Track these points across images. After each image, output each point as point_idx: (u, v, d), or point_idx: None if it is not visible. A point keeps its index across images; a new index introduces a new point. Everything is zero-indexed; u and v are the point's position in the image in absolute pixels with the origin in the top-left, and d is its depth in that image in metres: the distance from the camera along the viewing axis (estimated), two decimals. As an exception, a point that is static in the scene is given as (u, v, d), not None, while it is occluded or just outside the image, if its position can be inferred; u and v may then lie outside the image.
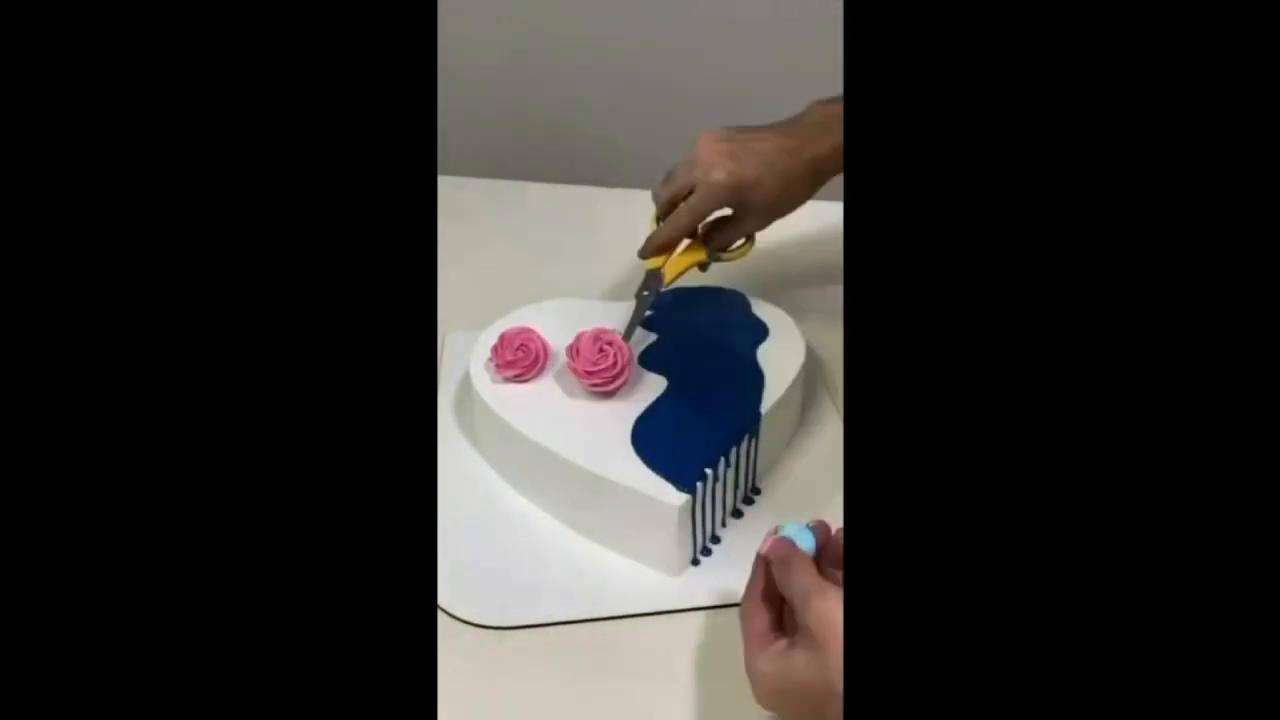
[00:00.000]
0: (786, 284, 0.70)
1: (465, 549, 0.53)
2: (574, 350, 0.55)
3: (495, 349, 0.57)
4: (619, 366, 0.55)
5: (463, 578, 0.51)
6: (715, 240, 0.61)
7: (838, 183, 0.41)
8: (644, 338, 0.60)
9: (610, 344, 0.55)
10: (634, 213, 0.91)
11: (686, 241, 0.62)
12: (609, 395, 0.55)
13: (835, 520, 0.48)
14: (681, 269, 0.62)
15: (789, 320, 0.62)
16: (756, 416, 0.55)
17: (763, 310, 0.63)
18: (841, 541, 0.43)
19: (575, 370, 0.55)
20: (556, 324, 0.59)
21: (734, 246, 0.62)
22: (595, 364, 0.54)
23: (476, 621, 0.50)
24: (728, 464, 0.52)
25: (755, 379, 0.57)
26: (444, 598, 0.51)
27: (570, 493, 0.54)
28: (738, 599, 0.48)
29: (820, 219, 0.66)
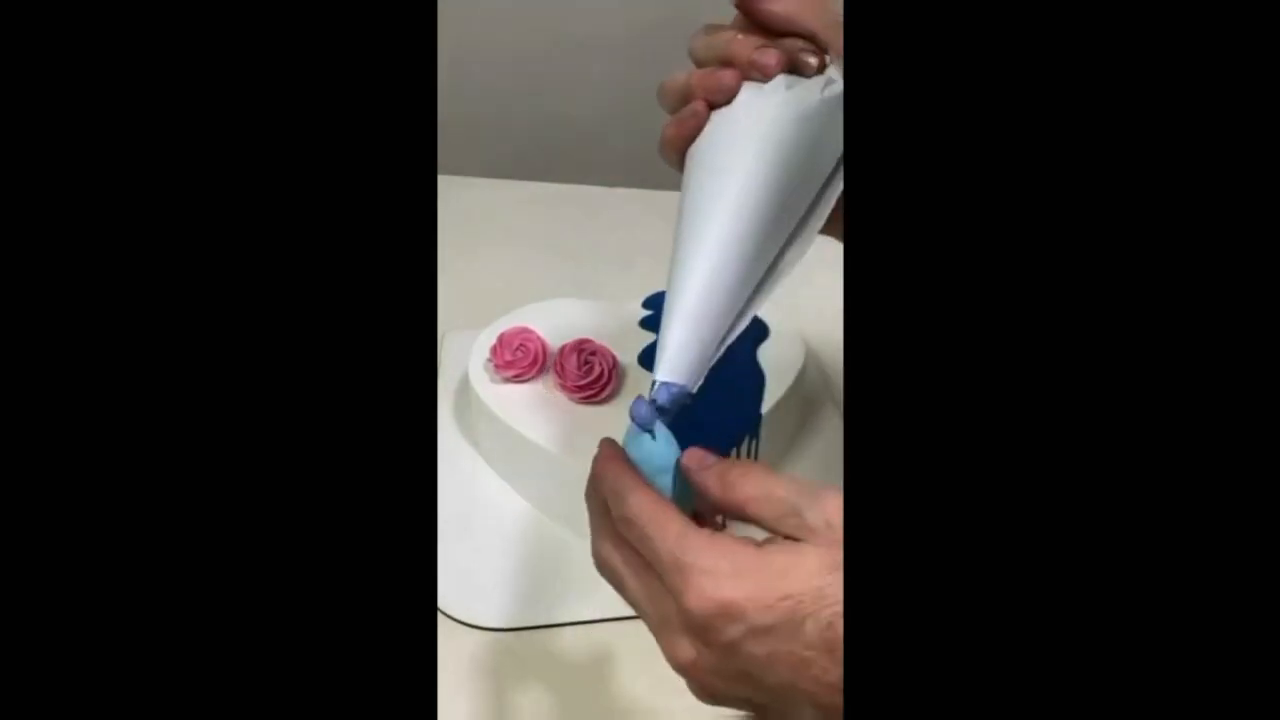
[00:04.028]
0: (786, 284, 0.70)
1: (465, 550, 0.53)
2: (559, 367, 0.55)
3: (494, 349, 0.57)
4: (605, 375, 0.55)
5: (462, 579, 0.51)
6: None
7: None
8: (644, 338, 0.60)
9: (594, 354, 0.55)
10: (634, 213, 0.91)
11: None
12: (604, 402, 0.55)
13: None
14: None
15: (789, 320, 0.62)
16: (757, 417, 0.55)
17: (763, 310, 0.63)
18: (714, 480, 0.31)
19: (565, 388, 0.55)
20: (556, 324, 0.59)
21: None
22: (583, 378, 0.54)
23: (476, 623, 0.50)
24: (728, 464, 0.52)
25: (755, 379, 0.57)
26: (443, 599, 0.51)
27: (569, 493, 0.54)
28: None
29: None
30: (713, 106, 0.35)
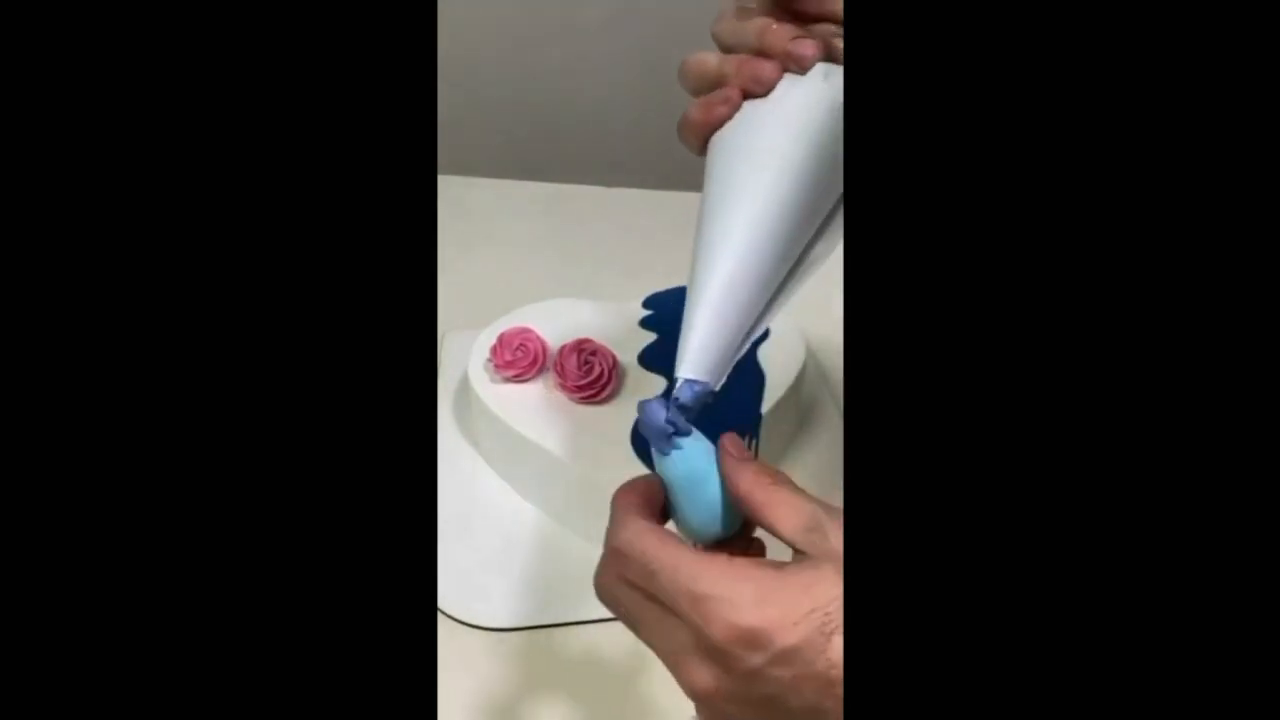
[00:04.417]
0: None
1: (465, 550, 0.53)
2: (559, 368, 0.55)
3: (494, 349, 0.57)
4: (605, 375, 0.55)
5: (462, 579, 0.51)
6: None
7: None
8: (644, 338, 0.60)
9: (594, 354, 0.55)
10: (634, 213, 0.91)
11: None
12: (604, 402, 0.55)
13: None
14: None
15: (789, 320, 0.62)
16: (757, 417, 0.55)
17: (763, 310, 0.63)
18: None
19: (565, 388, 0.55)
20: (556, 324, 0.59)
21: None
22: (583, 378, 0.55)
23: (476, 623, 0.50)
24: (728, 464, 0.52)
25: (755, 379, 0.57)
26: (443, 600, 0.50)
27: (570, 493, 0.54)
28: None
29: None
30: (747, 96, 0.34)
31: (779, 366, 0.58)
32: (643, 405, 0.31)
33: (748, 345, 0.33)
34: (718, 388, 0.32)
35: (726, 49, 0.35)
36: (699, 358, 0.31)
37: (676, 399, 0.31)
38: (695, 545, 0.31)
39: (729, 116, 0.34)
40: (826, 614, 0.27)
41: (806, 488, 0.30)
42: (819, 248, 0.34)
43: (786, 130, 0.33)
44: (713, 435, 0.53)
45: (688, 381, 0.31)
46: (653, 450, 0.32)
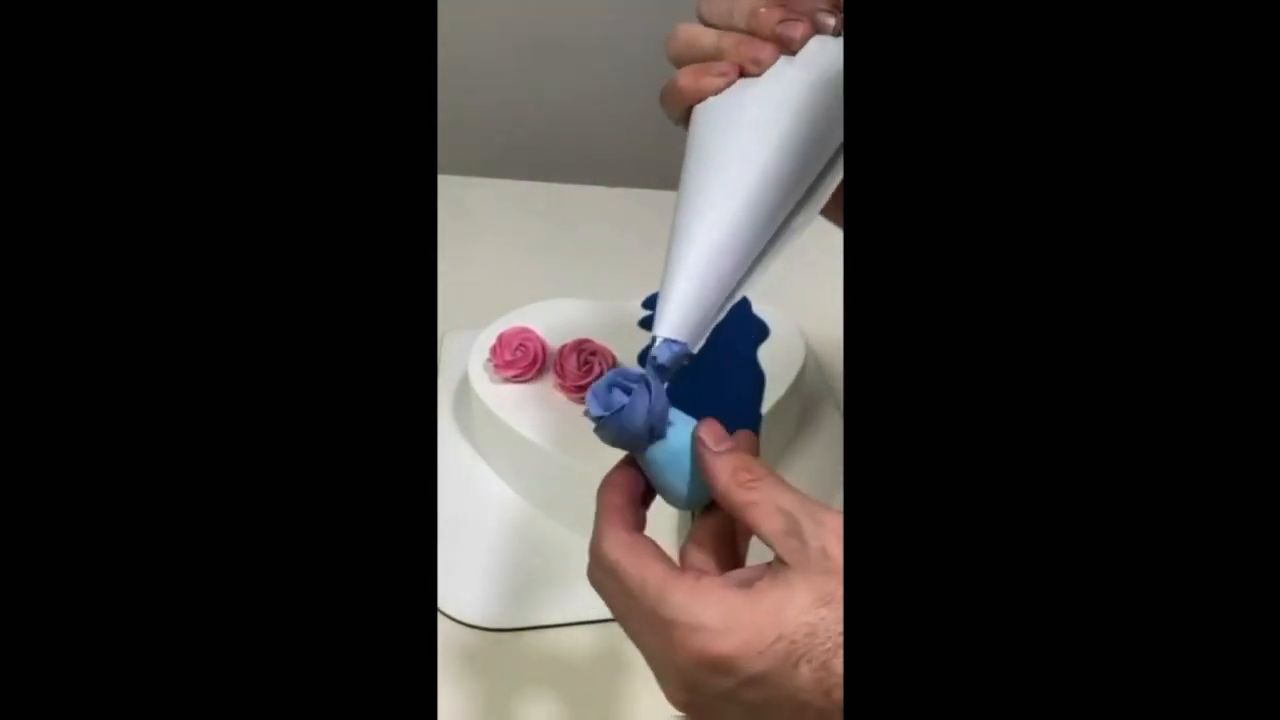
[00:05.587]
0: (786, 284, 0.70)
1: (465, 551, 0.53)
2: (559, 367, 0.55)
3: (494, 349, 0.57)
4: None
5: (462, 579, 0.51)
6: None
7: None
8: (644, 338, 0.60)
9: (594, 354, 0.55)
10: (634, 213, 0.91)
11: None
12: None
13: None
14: None
15: (789, 320, 0.62)
16: (757, 417, 0.55)
17: (763, 310, 0.63)
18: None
19: (565, 388, 0.55)
20: (556, 324, 0.59)
21: None
22: (582, 378, 0.55)
23: (476, 624, 0.50)
24: (728, 464, 0.52)
25: (755, 379, 0.57)
26: (443, 599, 0.50)
27: (569, 493, 0.54)
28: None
29: (820, 218, 0.66)
30: (743, 74, 0.34)
31: (779, 366, 0.58)
32: (615, 412, 0.30)
33: (724, 313, 0.33)
34: (695, 351, 0.32)
35: (713, 27, 0.36)
36: (678, 318, 0.31)
37: (654, 359, 0.31)
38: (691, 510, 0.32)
39: (719, 90, 0.34)
40: (793, 643, 0.26)
41: (806, 488, 0.30)
42: (800, 218, 0.35)
43: (773, 103, 0.33)
44: None
45: (667, 341, 0.31)
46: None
